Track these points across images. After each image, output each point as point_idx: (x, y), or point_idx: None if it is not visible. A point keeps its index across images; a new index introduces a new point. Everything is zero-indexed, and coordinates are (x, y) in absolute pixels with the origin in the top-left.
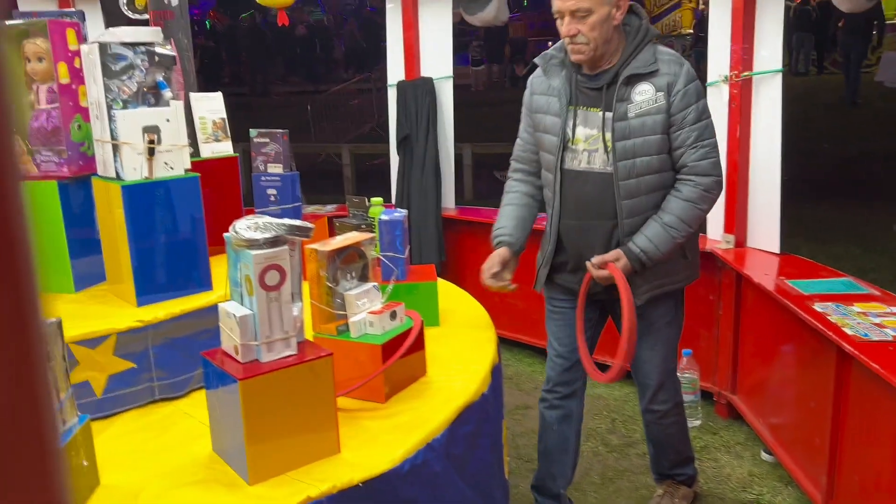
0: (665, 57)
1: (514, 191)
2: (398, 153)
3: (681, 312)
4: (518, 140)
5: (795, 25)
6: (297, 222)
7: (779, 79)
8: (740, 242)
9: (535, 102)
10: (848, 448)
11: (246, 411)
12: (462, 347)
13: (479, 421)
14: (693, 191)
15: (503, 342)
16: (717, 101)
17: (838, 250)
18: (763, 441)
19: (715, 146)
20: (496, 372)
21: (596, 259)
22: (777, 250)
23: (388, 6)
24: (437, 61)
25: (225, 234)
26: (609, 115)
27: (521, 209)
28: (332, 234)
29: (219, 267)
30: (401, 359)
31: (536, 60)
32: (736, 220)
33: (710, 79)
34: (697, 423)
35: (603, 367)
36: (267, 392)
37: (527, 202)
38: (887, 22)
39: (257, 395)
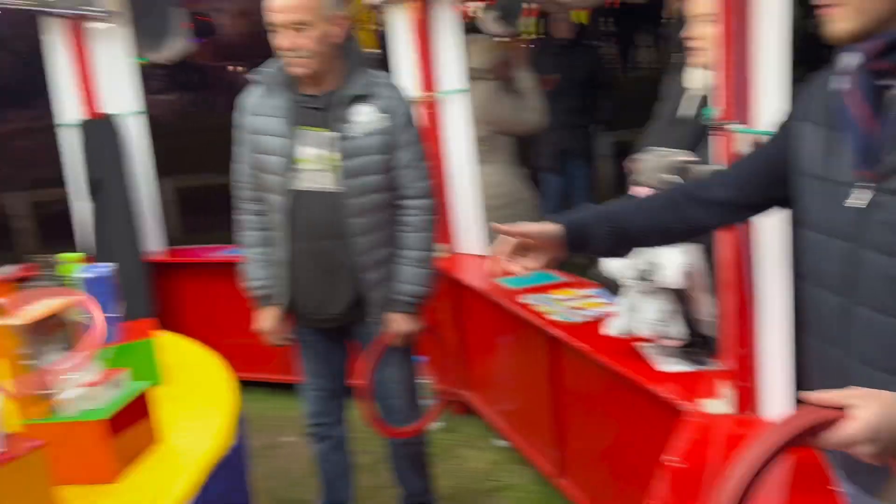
0: (381, 80)
1: (257, 228)
2: (92, 201)
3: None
4: (239, 166)
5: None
6: None
7: (463, 97)
8: (452, 250)
9: (254, 124)
10: (569, 421)
11: None
12: (199, 401)
13: (229, 476)
14: (421, 220)
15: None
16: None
17: None
18: (497, 430)
19: (428, 168)
20: (241, 420)
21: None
22: (484, 252)
23: (47, 38)
24: (121, 96)
25: None
26: (335, 134)
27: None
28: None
29: None
30: (125, 429)
31: (256, 78)
32: (448, 231)
33: None
34: (441, 424)
35: None
36: None
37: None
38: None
39: None
